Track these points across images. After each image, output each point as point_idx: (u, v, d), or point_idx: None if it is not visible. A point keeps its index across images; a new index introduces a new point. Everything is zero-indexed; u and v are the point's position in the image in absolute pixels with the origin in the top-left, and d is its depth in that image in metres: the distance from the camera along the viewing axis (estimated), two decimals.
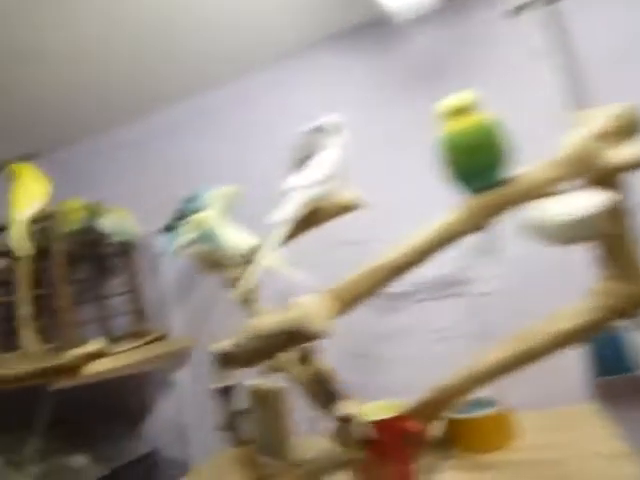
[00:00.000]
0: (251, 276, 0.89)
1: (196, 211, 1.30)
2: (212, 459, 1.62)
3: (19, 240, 1.27)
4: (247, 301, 1.08)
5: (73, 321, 1.30)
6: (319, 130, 0.95)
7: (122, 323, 1.88)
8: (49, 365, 1.23)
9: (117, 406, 1.78)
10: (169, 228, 1.39)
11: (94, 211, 1.66)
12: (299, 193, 0.90)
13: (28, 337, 1.26)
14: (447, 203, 0.87)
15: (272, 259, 0.87)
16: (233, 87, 1.81)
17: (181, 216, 1.38)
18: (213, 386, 0.83)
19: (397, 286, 1.55)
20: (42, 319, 1.65)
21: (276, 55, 1.71)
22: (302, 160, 0.93)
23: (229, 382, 0.81)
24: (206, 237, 1.14)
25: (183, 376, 1.80)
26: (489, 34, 1.51)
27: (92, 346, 1.28)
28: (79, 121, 1.88)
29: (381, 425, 1.01)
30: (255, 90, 1.79)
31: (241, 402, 0.81)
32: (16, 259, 1.33)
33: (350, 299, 0.71)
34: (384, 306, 1.56)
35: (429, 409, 1.18)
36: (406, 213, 1.39)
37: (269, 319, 0.63)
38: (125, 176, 1.96)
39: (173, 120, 1.90)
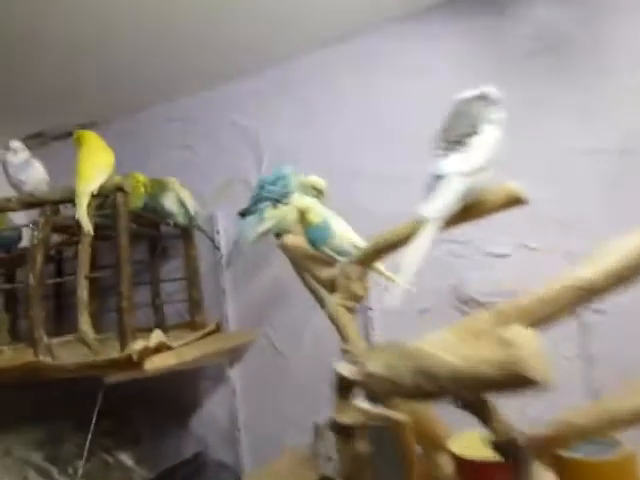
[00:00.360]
0: (398, 284, 0.70)
1: (281, 195, 1.14)
2: (267, 465, 1.48)
3: (83, 215, 1.13)
4: (351, 310, 0.91)
5: (133, 309, 1.15)
6: (482, 99, 0.76)
7: (176, 310, 1.75)
8: (109, 358, 1.09)
9: (166, 400, 1.64)
10: (248, 212, 1.23)
11: (157, 188, 1.52)
12: (456, 181, 0.71)
13: (84, 322, 1.13)
14: None
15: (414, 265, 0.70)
16: (317, 58, 1.63)
17: (262, 199, 1.22)
18: (334, 420, 0.66)
19: (488, 296, 1.41)
20: (96, 303, 1.53)
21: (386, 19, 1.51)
22: (457, 137, 0.73)
23: (357, 418, 0.63)
24: (320, 228, 0.98)
25: (237, 372, 1.65)
26: (622, 3, 1.29)
27: (154, 339, 1.14)
28: (145, 89, 1.74)
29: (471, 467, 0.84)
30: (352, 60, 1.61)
31: (367, 443, 0.65)
32: (76, 235, 1.19)
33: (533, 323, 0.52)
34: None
35: (543, 445, 0.98)
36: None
37: (443, 348, 0.45)
38: (184, 153, 1.82)
39: (243, 93, 1.74)
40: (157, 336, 1.16)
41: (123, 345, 1.11)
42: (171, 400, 1.67)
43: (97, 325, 1.59)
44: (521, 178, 1.35)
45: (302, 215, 0.98)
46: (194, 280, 1.65)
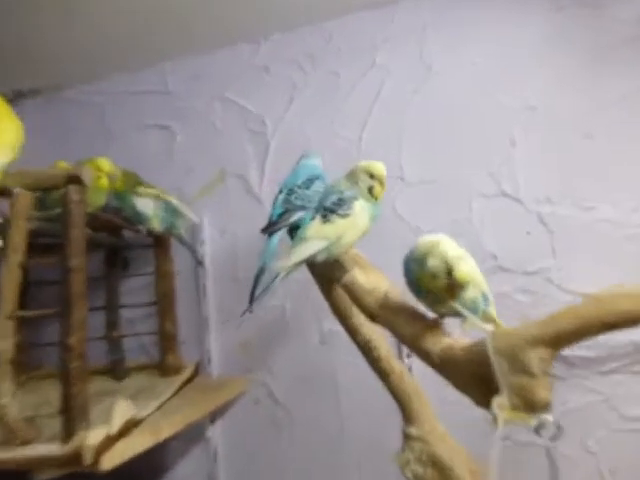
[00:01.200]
0: None
1: (334, 203, 0.75)
2: None
3: None
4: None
5: (85, 372, 0.73)
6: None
7: (139, 346, 1.31)
8: (44, 455, 0.66)
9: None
10: (275, 228, 0.84)
11: (128, 182, 1.09)
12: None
13: (4, 393, 0.69)
14: None
15: None
16: (351, 23, 1.25)
17: (294, 209, 0.84)
18: None
19: (576, 348, 1.09)
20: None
21: None
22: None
23: None
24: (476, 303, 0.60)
25: (220, 430, 1.24)
26: None
27: (117, 421, 0.72)
28: (111, 51, 1.30)
29: None
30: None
31: None
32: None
33: None
34: (555, 374, 1.04)
35: None
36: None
37: None
38: (160, 135, 1.38)
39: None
40: (122, 415, 0.74)
41: (68, 432, 0.68)
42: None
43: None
44: (620, 187, 1.07)
45: (443, 272, 0.57)
46: (167, 306, 1.22)
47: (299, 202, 0.87)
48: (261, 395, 1.23)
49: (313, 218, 0.76)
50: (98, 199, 1.00)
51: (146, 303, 1.24)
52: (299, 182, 0.90)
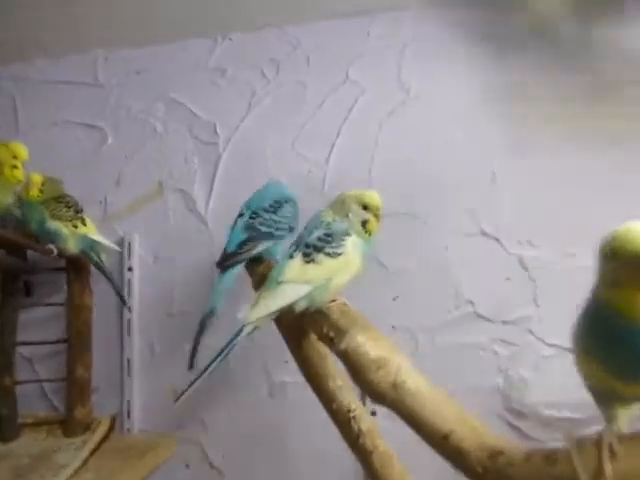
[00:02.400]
0: None
1: (326, 240, 0.59)
2: None
3: None
4: None
5: None
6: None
7: (38, 394, 1.05)
8: None
9: None
10: (234, 261, 0.68)
11: (47, 189, 0.86)
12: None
13: None
14: None
15: None
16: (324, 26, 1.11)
17: (261, 237, 0.69)
18: None
19: (561, 407, 0.98)
20: None
21: None
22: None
23: None
24: None
25: None
26: None
27: None
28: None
29: None
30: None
31: None
32: None
33: None
34: (533, 437, 0.94)
35: None
36: None
37: None
38: (89, 137, 1.15)
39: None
40: None
41: None
42: None
43: None
44: (602, 233, 1.01)
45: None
46: (80, 344, 0.98)
47: (264, 228, 0.73)
48: (192, 457, 1.02)
49: (292, 256, 0.60)
50: (4, 197, 0.77)
51: (52, 340, 0.99)
52: (265, 204, 0.75)
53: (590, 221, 0.97)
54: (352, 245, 0.61)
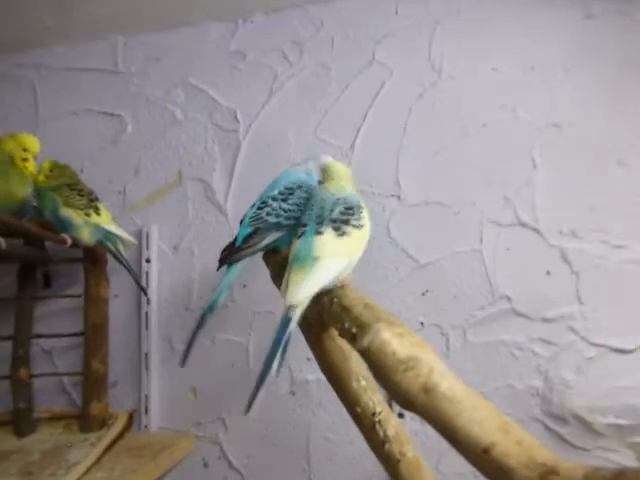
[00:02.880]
0: None
1: (350, 213, 0.57)
2: None
3: None
4: None
5: None
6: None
7: (56, 387, 1.03)
8: None
9: None
10: (240, 255, 0.65)
11: (58, 176, 0.83)
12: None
13: None
14: None
15: None
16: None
17: (271, 228, 0.65)
18: None
19: (606, 413, 0.90)
20: None
21: None
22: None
23: None
24: None
25: None
26: None
27: None
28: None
29: None
30: None
31: None
32: None
33: None
34: (576, 444, 0.86)
35: None
36: None
37: None
38: (108, 125, 1.13)
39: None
40: None
41: None
42: None
43: None
44: None
45: None
46: (97, 338, 0.95)
47: (273, 219, 0.66)
48: (211, 456, 0.98)
49: (320, 232, 0.56)
50: (20, 189, 0.75)
51: (69, 333, 0.97)
52: (275, 192, 0.69)
53: None
54: (367, 217, 0.60)
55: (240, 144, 1.05)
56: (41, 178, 0.84)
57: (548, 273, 0.91)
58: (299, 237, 0.58)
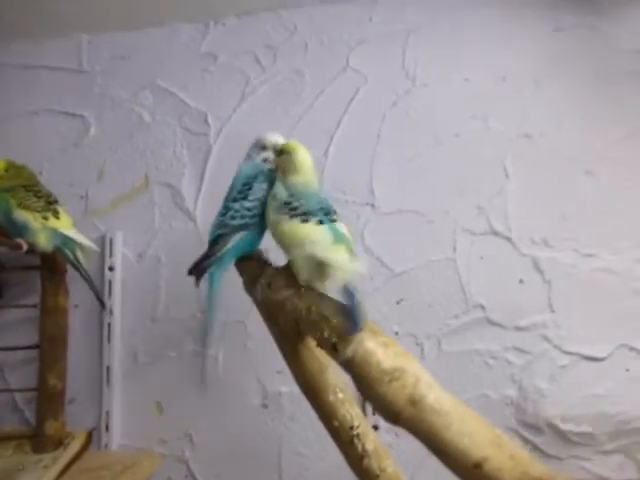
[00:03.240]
0: None
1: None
2: None
3: None
4: None
5: None
6: None
7: (7, 405, 0.96)
8: None
9: None
10: (205, 264, 0.63)
11: (14, 176, 0.78)
12: None
13: None
14: None
15: None
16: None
17: (236, 230, 0.64)
18: None
19: (579, 422, 0.90)
20: None
21: None
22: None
23: None
24: None
25: None
26: None
27: None
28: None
29: None
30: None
31: None
32: None
33: None
34: (550, 453, 0.85)
35: None
36: None
37: None
38: (70, 125, 1.07)
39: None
40: None
41: None
42: None
43: None
44: (622, 233, 0.94)
45: None
46: (54, 351, 0.89)
47: (237, 221, 0.64)
48: (177, 476, 0.93)
49: (334, 220, 0.59)
50: None
51: (23, 346, 0.90)
52: (234, 193, 0.67)
53: (610, 220, 0.91)
54: None
55: (211, 148, 1.02)
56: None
57: (521, 282, 0.91)
58: (316, 223, 0.57)
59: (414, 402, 0.37)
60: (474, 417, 0.36)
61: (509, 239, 0.92)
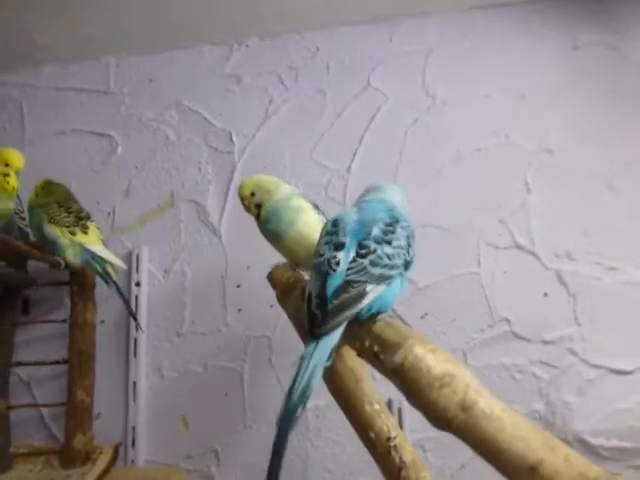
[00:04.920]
0: None
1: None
2: None
3: None
4: None
5: None
6: None
7: (34, 420, 0.96)
8: None
9: None
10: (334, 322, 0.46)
11: (46, 193, 0.80)
12: None
13: None
14: None
15: None
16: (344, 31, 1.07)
17: (373, 281, 0.48)
18: None
19: (609, 436, 0.89)
20: None
21: None
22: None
23: None
24: None
25: None
26: None
27: None
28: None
29: None
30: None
31: None
32: None
33: None
34: None
35: None
36: None
37: None
38: (98, 144, 1.10)
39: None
40: None
41: None
42: None
43: None
44: None
45: None
46: (82, 366, 0.90)
47: (377, 270, 0.49)
48: None
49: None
50: (3, 205, 0.70)
51: (51, 361, 0.91)
52: (375, 231, 0.51)
53: (632, 234, 0.92)
54: None
55: (235, 166, 1.04)
56: (33, 197, 0.80)
57: (546, 295, 0.91)
58: None
59: (465, 408, 0.37)
60: (524, 421, 0.37)
61: (533, 253, 0.93)
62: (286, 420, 0.46)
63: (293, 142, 1.04)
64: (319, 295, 0.48)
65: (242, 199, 0.70)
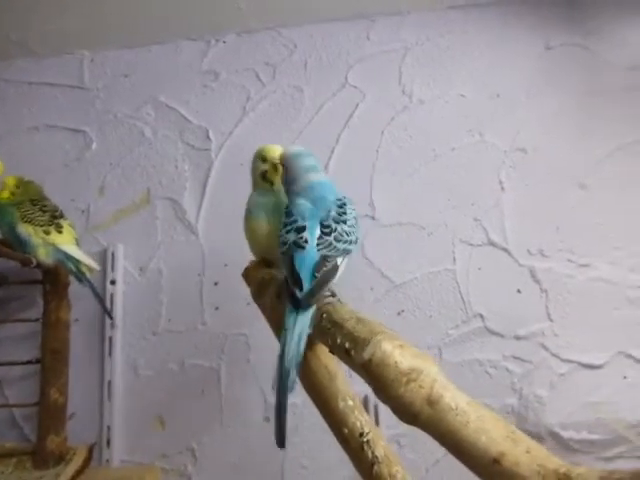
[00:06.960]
0: None
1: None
2: None
3: None
4: None
5: None
6: None
7: (6, 421, 0.95)
8: None
9: None
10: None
11: (23, 192, 0.78)
12: None
13: None
14: None
15: None
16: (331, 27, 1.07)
17: (339, 254, 0.56)
18: None
19: (579, 429, 0.91)
20: None
21: None
22: None
23: None
24: None
25: None
26: None
27: None
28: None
29: None
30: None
31: None
32: None
33: None
34: None
35: None
36: None
37: None
38: (72, 140, 1.08)
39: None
40: None
41: None
42: None
43: None
44: (616, 244, 0.96)
45: None
46: (55, 365, 0.89)
47: (341, 245, 0.56)
48: None
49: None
50: None
51: (23, 361, 0.90)
52: (331, 211, 0.58)
53: (603, 231, 0.94)
54: None
55: (212, 163, 1.03)
56: (5, 194, 0.79)
57: (519, 291, 0.93)
58: None
59: (432, 402, 0.38)
60: (489, 414, 0.38)
61: (506, 250, 0.95)
62: (283, 384, 0.50)
63: (271, 139, 1.03)
64: (292, 273, 0.54)
65: (280, 160, 0.68)
